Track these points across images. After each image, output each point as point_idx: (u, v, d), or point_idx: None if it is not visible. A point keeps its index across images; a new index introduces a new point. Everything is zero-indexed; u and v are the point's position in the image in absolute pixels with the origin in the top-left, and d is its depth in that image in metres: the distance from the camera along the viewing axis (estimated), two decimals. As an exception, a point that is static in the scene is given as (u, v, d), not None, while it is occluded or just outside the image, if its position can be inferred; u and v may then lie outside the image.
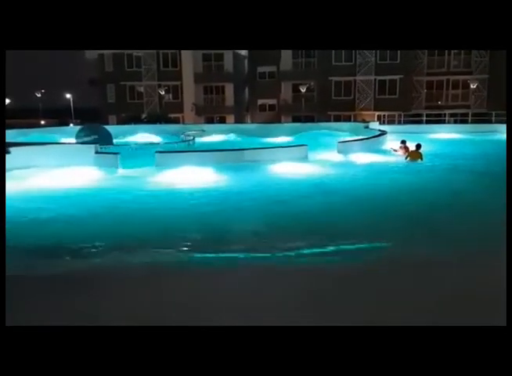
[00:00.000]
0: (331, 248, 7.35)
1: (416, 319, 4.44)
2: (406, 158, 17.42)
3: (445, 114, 38.09)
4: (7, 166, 12.64)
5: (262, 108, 43.61)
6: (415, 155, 17.27)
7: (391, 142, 20.59)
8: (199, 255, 6.99)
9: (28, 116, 55.59)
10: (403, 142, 18.98)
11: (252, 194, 11.98)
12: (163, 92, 41.83)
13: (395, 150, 18.91)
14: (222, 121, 43.08)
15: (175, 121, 40.45)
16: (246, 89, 45.55)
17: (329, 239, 7.89)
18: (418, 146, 17.52)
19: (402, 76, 38.79)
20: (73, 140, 20.49)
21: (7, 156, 13.85)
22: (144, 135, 25.75)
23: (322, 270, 6.13)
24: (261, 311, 4.90)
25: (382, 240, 7.75)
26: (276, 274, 6.00)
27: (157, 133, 26.41)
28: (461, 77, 39.03)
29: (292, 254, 7.04)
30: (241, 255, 7.12)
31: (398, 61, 38.67)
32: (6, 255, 4.39)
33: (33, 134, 24.14)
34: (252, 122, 41.28)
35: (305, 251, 7.26)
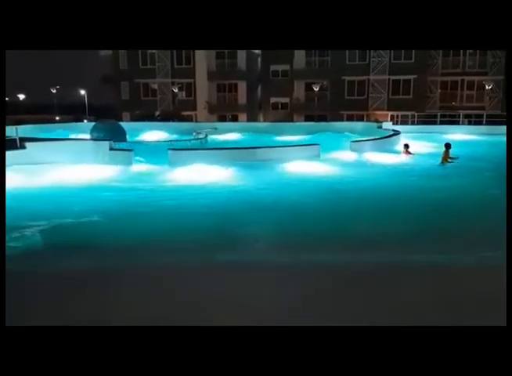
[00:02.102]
0: (332, 248, 7.35)
1: (416, 319, 4.45)
2: (442, 162, 16.48)
3: (459, 115, 37.69)
4: (23, 161, 12.89)
5: (275, 106, 43.39)
6: (445, 157, 16.56)
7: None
8: (200, 255, 6.98)
9: (43, 112, 56.08)
10: (406, 146, 18.93)
11: (261, 192, 12.02)
12: (176, 90, 41.92)
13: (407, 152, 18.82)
14: (235, 119, 43.00)
15: (188, 118, 40.55)
16: (259, 87, 45.42)
17: (330, 239, 7.94)
18: (448, 146, 16.66)
19: (416, 76, 38.42)
20: (88, 136, 20.63)
21: (23, 151, 14.08)
22: (157, 133, 25.83)
23: (323, 270, 6.13)
24: (261, 311, 4.91)
25: (383, 240, 7.75)
26: (277, 274, 6.00)
27: (170, 131, 26.49)
28: (476, 78, 38.48)
29: (293, 254, 7.03)
30: (242, 255, 7.14)
31: (412, 61, 38.36)
32: (8, 253, 4.43)
33: (47, 130, 24.31)
34: (264, 121, 41.15)
35: (306, 251, 7.24)
